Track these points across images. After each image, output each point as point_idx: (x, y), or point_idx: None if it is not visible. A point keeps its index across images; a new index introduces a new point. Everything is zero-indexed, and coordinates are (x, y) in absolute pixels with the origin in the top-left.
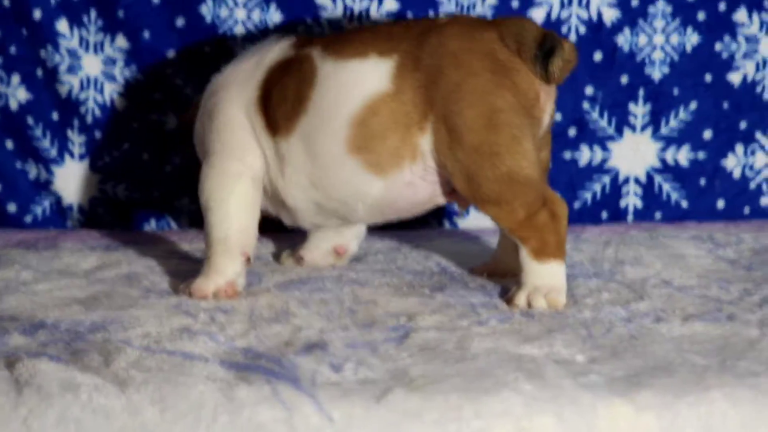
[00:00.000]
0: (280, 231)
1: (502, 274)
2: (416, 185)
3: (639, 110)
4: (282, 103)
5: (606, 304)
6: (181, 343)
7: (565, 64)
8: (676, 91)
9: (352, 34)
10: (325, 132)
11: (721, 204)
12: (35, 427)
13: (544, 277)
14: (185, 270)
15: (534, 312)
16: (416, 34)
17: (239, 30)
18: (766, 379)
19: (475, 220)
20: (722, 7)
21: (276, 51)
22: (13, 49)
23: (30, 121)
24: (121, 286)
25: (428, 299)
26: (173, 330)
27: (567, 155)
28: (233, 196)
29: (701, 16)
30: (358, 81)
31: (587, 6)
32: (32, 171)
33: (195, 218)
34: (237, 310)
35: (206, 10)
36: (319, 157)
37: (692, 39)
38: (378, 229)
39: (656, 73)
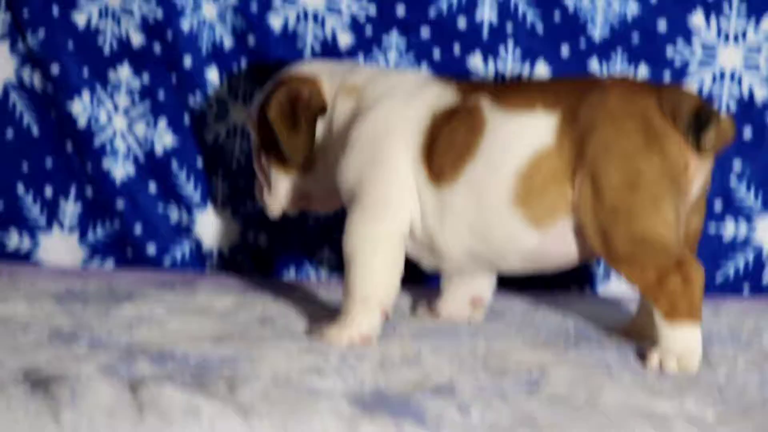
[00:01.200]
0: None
1: (639, 336)
2: (568, 239)
3: None
4: (449, 150)
5: (741, 370)
6: (309, 380)
7: (719, 137)
8: None
9: (519, 86)
10: (492, 182)
11: None
12: None
13: (677, 340)
14: (321, 316)
15: (667, 372)
16: (580, 90)
17: None
18: None
19: (615, 286)
20: None
21: (441, 96)
22: (161, 95)
23: (174, 166)
24: (254, 327)
25: (562, 354)
26: (302, 368)
27: (712, 229)
28: (381, 254)
29: None
30: (526, 134)
31: (739, 83)
32: (174, 215)
33: (336, 268)
34: (369, 354)
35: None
36: (483, 206)
37: None
38: (518, 289)
39: None
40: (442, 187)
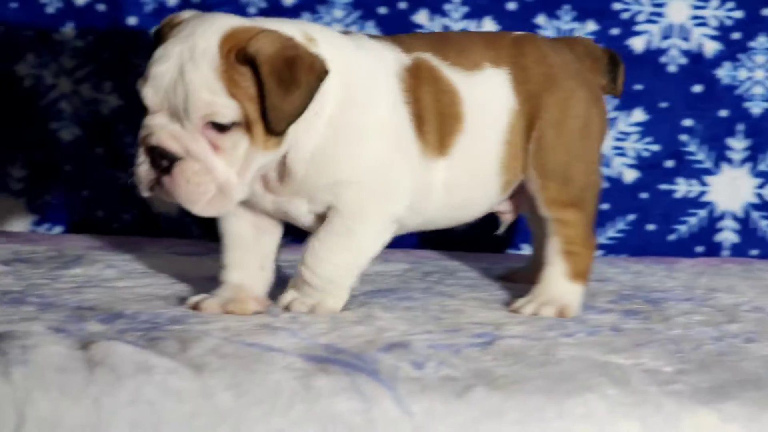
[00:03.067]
0: None
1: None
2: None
3: (738, 144)
4: (439, 121)
5: (696, 325)
6: (261, 337)
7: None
8: None
9: (449, 39)
10: (483, 153)
11: None
12: (107, 405)
13: (568, 294)
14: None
15: (623, 327)
16: (510, 44)
17: None
18: None
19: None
20: None
21: (389, 55)
22: (106, 55)
23: (120, 128)
24: (204, 287)
25: (516, 312)
26: (254, 325)
27: (663, 187)
28: (383, 240)
29: None
30: (498, 97)
31: (688, 37)
32: (121, 178)
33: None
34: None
35: None
36: (475, 177)
37: None
38: (470, 250)
39: (756, 108)
40: (435, 162)
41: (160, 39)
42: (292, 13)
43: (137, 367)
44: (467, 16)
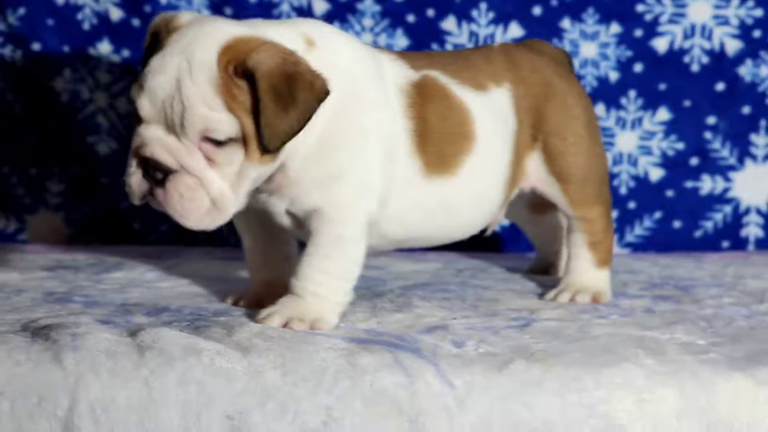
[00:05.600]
0: None
1: (544, 271)
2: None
3: (760, 140)
4: (445, 138)
5: (727, 305)
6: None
7: None
8: None
9: (450, 58)
10: (490, 171)
11: None
12: (157, 387)
13: (600, 280)
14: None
15: (656, 309)
16: (502, 58)
17: None
18: None
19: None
20: None
21: (393, 69)
22: (140, 70)
23: None
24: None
25: (551, 300)
26: None
27: (688, 184)
28: (365, 235)
29: None
30: (504, 116)
31: (710, 37)
32: None
33: None
34: (359, 303)
35: None
36: (480, 197)
37: None
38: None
39: None
40: (435, 180)
41: (156, 41)
42: (323, 20)
43: (186, 350)
44: (493, 22)
